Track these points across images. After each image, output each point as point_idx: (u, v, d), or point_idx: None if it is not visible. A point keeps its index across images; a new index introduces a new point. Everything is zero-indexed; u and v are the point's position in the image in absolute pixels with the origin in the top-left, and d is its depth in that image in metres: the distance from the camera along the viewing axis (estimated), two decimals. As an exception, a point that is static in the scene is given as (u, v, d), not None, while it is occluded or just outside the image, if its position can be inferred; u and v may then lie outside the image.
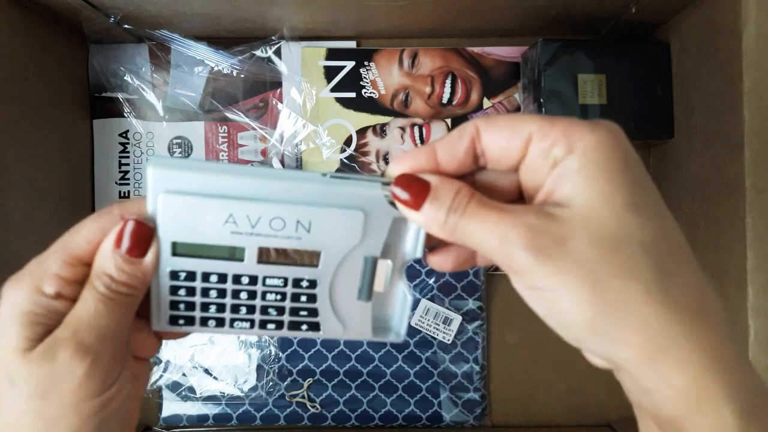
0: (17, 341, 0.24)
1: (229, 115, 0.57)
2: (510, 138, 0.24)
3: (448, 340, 0.56)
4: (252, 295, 0.27)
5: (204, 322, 0.28)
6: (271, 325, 0.28)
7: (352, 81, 0.57)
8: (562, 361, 0.58)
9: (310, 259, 0.26)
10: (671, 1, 0.49)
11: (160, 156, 0.26)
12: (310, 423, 0.56)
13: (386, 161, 0.57)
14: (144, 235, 0.25)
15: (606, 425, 0.57)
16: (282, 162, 0.57)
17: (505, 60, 0.57)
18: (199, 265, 0.26)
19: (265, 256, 0.26)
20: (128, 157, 0.58)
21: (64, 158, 0.54)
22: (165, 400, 0.56)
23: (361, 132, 0.57)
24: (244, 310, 0.28)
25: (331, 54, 0.57)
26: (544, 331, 0.61)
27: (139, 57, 0.57)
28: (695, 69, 0.49)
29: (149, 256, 0.25)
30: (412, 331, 0.56)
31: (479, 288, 0.56)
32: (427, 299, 0.56)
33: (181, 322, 0.28)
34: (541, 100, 0.51)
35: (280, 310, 0.28)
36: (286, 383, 0.56)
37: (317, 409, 0.56)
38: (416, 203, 0.24)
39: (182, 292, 0.27)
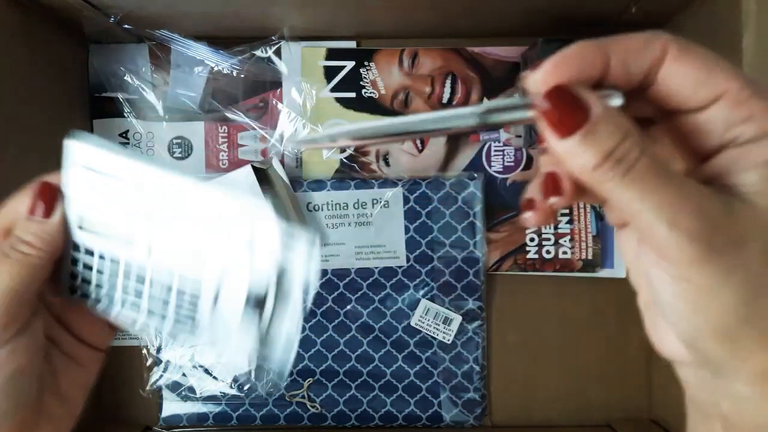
0: None
1: (229, 115, 0.57)
2: (702, 81, 0.20)
3: (448, 340, 0.56)
4: (140, 280, 0.27)
5: (97, 298, 0.28)
6: (155, 317, 0.28)
7: (352, 81, 0.57)
8: (562, 361, 0.58)
9: (197, 262, 0.26)
10: (671, 1, 0.49)
11: (83, 132, 0.26)
12: (310, 423, 0.56)
13: (386, 161, 0.57)
14: (49, 193, 0.26)
15: (606, 425, 0.57)
16: (282, 162, 0.57)
17: (505, 60, 0.57)
18: (98, 244, 0.27)
19: (157, 247, 0.26)
20: (128, 157, 0.58)
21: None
22: (165, 400, 0.56)
23: (361, 132, 0.57)
24: (132, 294, 0.28)
25: (331, 54, 0.57)
26: (544, 331, 0.61)
27: (139, 57, 0.57)
28: (695, 69, 0.49)
29: (55, 217, 0.26)
30: (412, 331, 0.56)
31: (479, 288, 0.56)
32: (427, 299, 0.56)
33: (78, 294, 0.28)
34: (541, 100, 0.51)
35: (164, 303, 0.28)
36: (285, 383, 0.56)
37: (317, 409, 0.56)
38: (563, 128, 0.19)
39: (80, 265, 0.28)
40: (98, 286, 0.28)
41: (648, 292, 0.23)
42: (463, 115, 0.21)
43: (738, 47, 0.40)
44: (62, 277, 0.28)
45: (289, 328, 0.26)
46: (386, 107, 0.57)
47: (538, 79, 0.20)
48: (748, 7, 0.39)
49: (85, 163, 0.26)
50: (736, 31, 0.40)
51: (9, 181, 0.46)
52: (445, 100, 0.57)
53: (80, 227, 0.27)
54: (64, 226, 0.27)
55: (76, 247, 0.27)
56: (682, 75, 0.20)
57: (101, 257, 0.27)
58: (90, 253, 0.27)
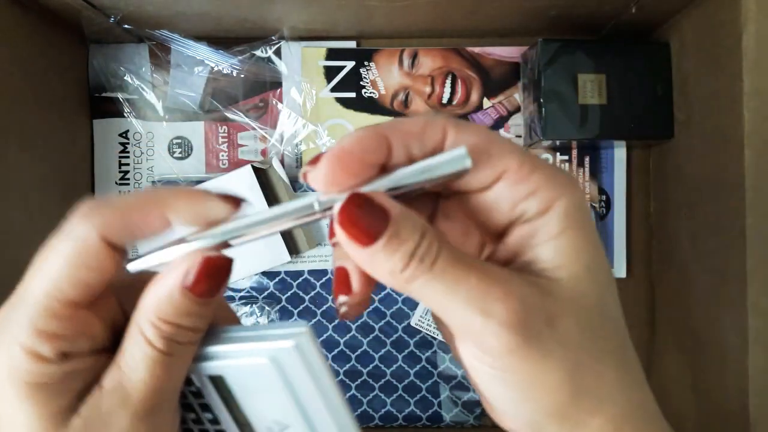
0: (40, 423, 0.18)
1: (229, 115, 0.57)
2: (482, 162, 0.19)
3: (448, 340, 0.56)
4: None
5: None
6: None
7: (352, 81, 0.57)
8: (562, 361, 0.58)
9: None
10: (671, 1, 0.49)
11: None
12: (310, 423, 0.56)
13: (386, 161, 0.57)
14: (223, 267, 0.20)
15: (606, 425, 0.57)
16: (282, 162, 0.57)
17: (505, 60, 0.57)
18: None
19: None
20: (128, 157, 0.58)
21: (64, 158, 0.54)
22: (165, 400, 0.56)
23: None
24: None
25: (331, 54, 0.57)
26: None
27: (139, 57, 0.57)
28: (695, 69, 0.49)
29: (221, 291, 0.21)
30: (412, 331, 0.56)
31: (479, 288, 0.56)
32: (427, 299, 0.56)
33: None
34: (541, 100, 0.51)
35: None
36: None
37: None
38: (365, 237, 0.18)
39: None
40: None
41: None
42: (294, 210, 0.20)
43: (738, 47, 0.40)
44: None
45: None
46: (386, 107, 0.57)
47: (320, 179, 0.19)
48: (748, 7, 0.39)
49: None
50: (736, 31, 0.40)
51: (9, 181, 0.46)
52: (445, 100, 0.57)
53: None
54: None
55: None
56: None
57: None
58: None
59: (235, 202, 0.20)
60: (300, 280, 0.57)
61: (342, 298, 0.21)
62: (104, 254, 0.19)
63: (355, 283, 0.20)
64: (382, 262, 0.18)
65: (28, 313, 0.19)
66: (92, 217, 0.19)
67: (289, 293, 0.57)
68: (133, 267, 0.20)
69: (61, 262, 0.19)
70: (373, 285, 0.21)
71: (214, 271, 0.20)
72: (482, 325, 0.18)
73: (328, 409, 0.21)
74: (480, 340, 0.19)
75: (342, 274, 0.21)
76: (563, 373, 0.19)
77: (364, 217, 0.18)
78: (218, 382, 0.22)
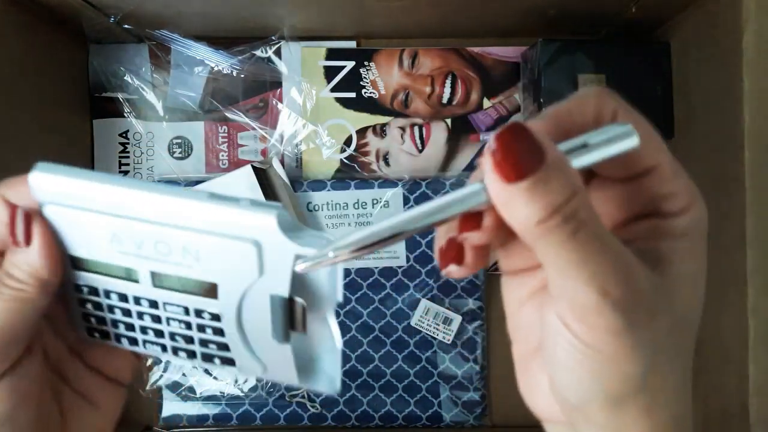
0: None
1: (229, 115, 0.57)
2: (643, 153, 0.20)
3: (448, 340, 0.56)
4: (156, 319, 0.25)
5: (117, 338, 0.26)
6: (182, 353, 0.26)
7: (352, 81, 0.57)
8: (562, 361, 0.58)
9: (206, 290, 0.23)
10: (671, 1, 0.49)
11: (46, 164, 0.24)
12: (310, 423, 0.56)
13: (386, 161, 0.57)
14: (24, 220, 0.23)
15: (606, 425, 0.57)
16: (282, 162, 0.57)
17: (505, 60, 0.57)
18: (99, 282, 0.24)
19: (158, 280, 0.23)
20: (128, 157, 0.58)
21: (64, 158, 0.53)
22: (165, 400, 0.56)
23: (361, 132, 0.57)
24: (151, 333, 0.25)
25: (331, 54, 0.57)
26: (544, 331, 0.59)
27: (139, 57, 0.57)
28: (695, 69, 0.49)
29: (34, 245, 0.23)
30: (412, 331, 0.56)
31: (479, 288, 0.56)
32: (427, 299, 0.56)
33: (97, 335, 0.26)
34: (541, 100, 0.51)
35: (189, 339, 0.25)
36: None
37: (317, 409, 0.56)
38: (513, 172, 0.17)
39: (89, 306, 0.25)
40: (114, 325, 0.25)
41: (525, 346, 0.23)
42: (470, 194, 0.19)
43: (738, 47, 0.40)
44: (76, 321, 0.26)
45: (328, 331, 0.23)
46: (386, 107, 0.57)
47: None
48: (748, 7, 0.39)
49: (54, 198, 0.23)
50: (736, 31, 0.40)
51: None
52: (445, 101, 0.57)
53: (74, 267, 0.24)
54: (57, 260, 0.23)
55: (78, 289, 0.25)
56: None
57: (107, 295, 0.25)
58: (94, 292, 0.25)
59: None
60: (300, 280, 0.57)
61: (452, 268, 0.20)
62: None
63: (469, 257, 0.20)
64: (521, 206, 0.17)
65: None
66: None
67: (289, 293, 0.57)
68: (301, 269, 0.22)
69: None
70: (486, 260, 0.20)
71: (15, 219, 0.23)
72: (597, 303, 0.18)
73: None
74: (583, 313, 0.18)
75: (455, 246, 0.20)
76: (641, 366, 0.19)
77: (518, 150, 0.17)
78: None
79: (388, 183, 0.56)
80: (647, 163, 0.20)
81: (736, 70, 0.40)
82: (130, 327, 0.25)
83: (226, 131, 0.58)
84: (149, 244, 0.22)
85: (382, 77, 0.57)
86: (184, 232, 0.22)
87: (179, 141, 0.58)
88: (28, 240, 0.23)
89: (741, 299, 0.40)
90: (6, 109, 0.45)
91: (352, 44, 0.58)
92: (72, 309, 0.26)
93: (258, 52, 0.57)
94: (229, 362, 0.25)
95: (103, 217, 0.22)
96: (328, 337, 0.23)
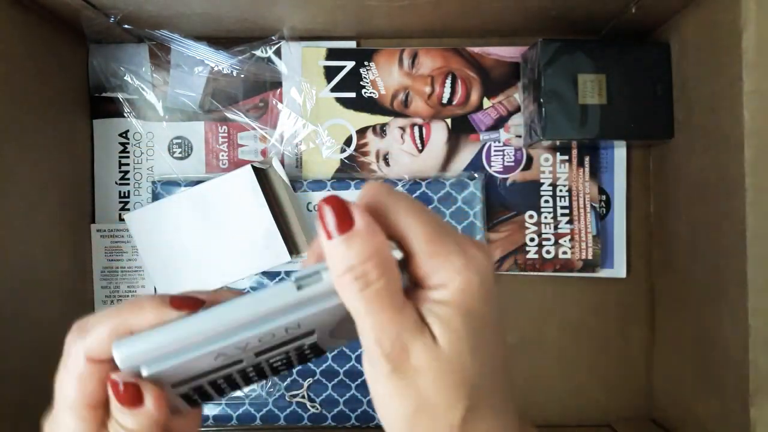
0: None
1: (229, 115, 0.57)
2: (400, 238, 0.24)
3: (448, 340, 0.56)
4: (260, 372, 0.27)
5: (221, 395, 0.28)
6: (283, 371, 0.28)
7: (352, 81, 0.57)
8: (561, 361, 0.58)
9: (306, 336, 0.25)
10: (671, 1, 0.49)
11: (123, 339, 0.24)
12: (310, 423, 0.56)
13: (386, 161, 0.57)
14: (133, 393, 0.24)
15: (606, 425, 0.57)
16: (282, 162, 0.57)
17: (505, 60, 0.57)
18: (203, 381, 0.26)
19: (262, 354, 0.25)
20: (128, 157, 0.58)
21: (64, 158, 0.53)
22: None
23: (361, 132, 0.57)
24: (255, 379, 0.28)
25: (331, 54, 0.57)
26: (544, 331, 0.61)
27: (139, 57, 0.57)
28: (695, 69, 0.49)
29: (147, 402, 0.24)
30: (412, 331, 0.56)
31: (479, 288, 0.56)
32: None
33: (198, 400, 0.28)
34: (541, 100, 0.51)
35: (288, 364, 0.27)
36: (286, 383, 0.56)
37: (317, 409, 0.56)
38: (327, 232, 0.23)
39: (195, 395, 0.27)
40: (218, 392, 0.27)
41: None
42: (278, 293, 0.23)
43: (738, 47, 0.40)
44: (174, 407, 0.27)
45: None
46: (386, 107, 0.57)
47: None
48: (748, 7, 0.39)
49: (150, 360, 0.24)
50: (736, 31, 0.40)
51: (9, 181, 0.46)
52: (445, 100, 0.57)
53: (175, 386, 0.25)
54: (167, 406, 0.25)
55: (182, 393, 0.26)
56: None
57: (212, 384, 0.26)
58: (199, 390, 0.26)
59: (190, 304, 0.25)
60: (300, 280, 0.57)
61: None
62: (93, 370, 0.25)
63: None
64: (330, 260, 0.23)
65: (66, 425, 0.26)
66: (77, 343, 0.25)
67: (289, 293, 0.57)
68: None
69: (69, 388, 0.25)
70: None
71: (124, 395, 0.24)
72: (372, 350, 0.23)
73: None
74: (367, 357, 0.24)
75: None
76: (407, 409, 0.24)
77: (334, 217, 0.23)
78: None
79: (388, 183, 0.56)
80: (411, 248, 0.24)
81: (736, 70, 0.40)
82: (235, 385, 0.27)
83: (226, 131, 0.58)
84: (253, 342, 0.24)
85: (382, 77, 0.57)
86: (285, 319, 0.24)
87: (179, 141, 0.58)
88: (139, 404, 0.24)
89: (741, 299, 0.40)
90: (6, 108, 0.45)
91: (352, 44, 0.58)
92: (172, 402, 0.26)
93: (258, 52, 0.57)
94: (320, 354, 0.28)
95: (201, 352, 0.24)
96: None
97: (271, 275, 0.56)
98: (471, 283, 0.23)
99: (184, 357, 0.24)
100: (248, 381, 0.27)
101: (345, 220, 0.23)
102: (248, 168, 0.54)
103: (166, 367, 0.24)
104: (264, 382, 0.27)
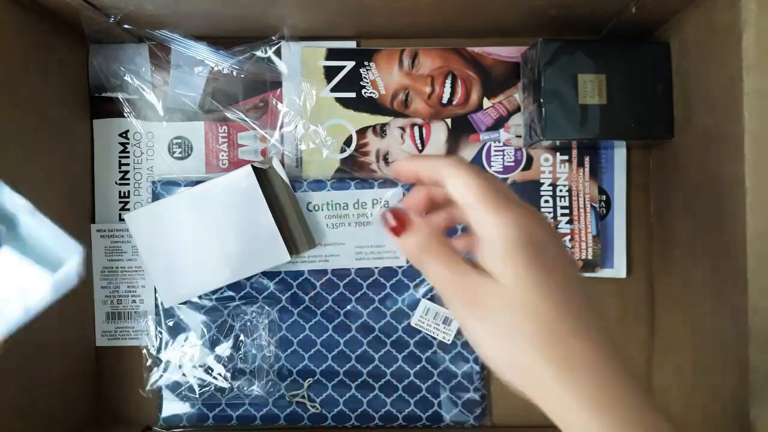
0: None
1: (229, 115, 0.57)
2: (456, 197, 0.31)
3: (448, 340, 0.56)
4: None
5: None
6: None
7: (352, 81, 0.57)
8: (562, 361, 0.58)
9: None
10: (671, 1, 0.49)
11: None
12: (310, 423, 0.56)
13: (386, 161, 0.57)
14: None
15: (606, 425, 0.57)
16: (282, 162, 0.57)
17: (505, 60, 0.57)
18: None
19: None
20: (128, 157, 0.58)
21: (64, 158, 0.54)
22: (165, 400, 0.56)
23: (361, 132, 0.57)
24: None
25: (331, 54, 0.57)
26: (544, 331, 0.58)
27: (139, 57, 0.57)
28: (695, 69, 0.49)
29: None
30: (412, 331, 0.56)
31: (479, 288, 0.56)
32: (427, 299, 0.56)
33: None
34: (541, 100, 0.51)
35: None
36: (286, 383, 0.56)
37: (317, 409, 0.56)
38: (395, 233, 0.32)
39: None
40: None
41: None
42: None
43: (738, 47, 0.40)
44: None
45: None
46: (386, 107, 0.57)
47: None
48: (748, 7, 0.39)
49: None
50: (736, 31, 0.40)
51: (9, 181, 0.46)
52: (445, 101, 0.57)
53: None
54: None
55: None
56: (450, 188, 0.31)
57: None
58: None
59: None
60: (300, 280, 0.57)
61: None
62: None
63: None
64: (405, 247, 0.31)
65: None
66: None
67: (289, 293, 0.57)
68: None
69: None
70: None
71: None
72: (452, 304, 0.31)
73: None
74: (456, 314, 0.31)
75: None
76: (494, 339, 0.29)
77: (398, 224, 0.32)
78: None
79: (388, 183, 0.56)
80: (461, 203, 0.30)
81: (736, 70, 0.40)
82: None
83: (226, 131, 0.58)
84: None
85: (382, 77, 0.57)
86: None
87: (179, 141, 0.58)
88: None
89: (741, 299, 0.40)
90: (6, 108, 0.45)
91: (352, 44, 0.58)
92: None
93: (258, 52, 0.57)
94: None
95: None
96: None
97: (270, 275, 0.56)
98: (509, 231, 0.29)
99: None
100: None
101: (402, 224, 0.32)
102: (248, 168, 0.54)
103: None
104: None
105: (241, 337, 0.56)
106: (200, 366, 0.56)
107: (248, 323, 0.56)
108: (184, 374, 0.56)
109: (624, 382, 0.28)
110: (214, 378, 0.56)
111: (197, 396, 0.56)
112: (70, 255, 0.26)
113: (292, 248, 0.56)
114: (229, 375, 0.56)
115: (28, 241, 0.27)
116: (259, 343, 0.56)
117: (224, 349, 0.56)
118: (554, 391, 0.28)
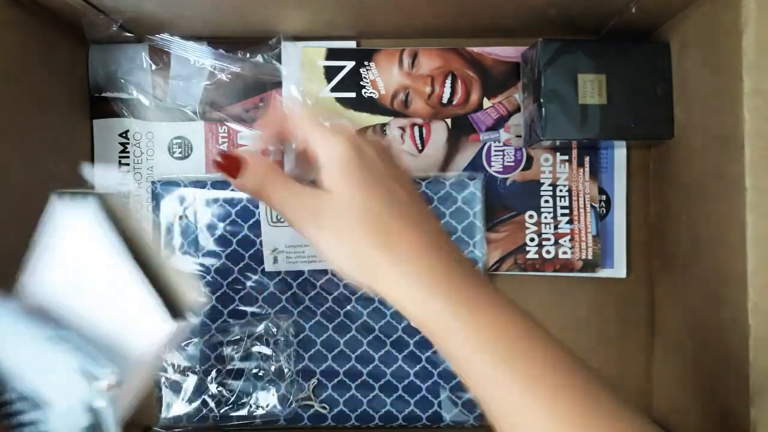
0: None
1: (229, 115, 0.57)
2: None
3: (448, 340, 0.56)
4: None
5: None
6: None
7: (352, 81, 0.57)
8: (562, 361, 0.58)
9: None
10: (671, 1, 0.49)
11: None
12: (310, 423, 0.56)
13: (386, 161, 0.57)
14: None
15: (606, 425, 0.57)
16: (282, 161, 0.57)
17: (505, 60, 0.57)
18: None
19: None
20: (128, 157, 0.58)
21: (64, 158, 0.53)
22: (165, 400, 0.56)
23: (361, 132, 0.57)
24: None
25: (331, 54, 0.57)
26: (544, 331, 0.58)
27: (140, 57, 0.57)
28: (695, 69, 0.49)
29: None
30: (412, 330, 0.56)
31: (479, 288, 0.56)
32: (427, 299, 0.56)
33: None
34: (541, 100, 0.51)
35: None
36: (285, 384, 0.56)
37: (325, 408, 0.56)
38: (229, 174, 0.35)
39: None
40: None
41: None
42: None
43: (738, 47, 0.40)
44: None
45: None
46: (386, 107, 0.57)
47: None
48: (748, 7, 0.39)
49: None
50: (736, 31, 0.40)
51: (9, 181, 0.46)
52: (445, 101, 0.57)
53: None
54: None
55: None
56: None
57: None
58: None
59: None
60: (300, 280, 0.57)
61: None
62: None
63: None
64: (239, 186, 0.36)
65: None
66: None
67: (289, 293, 0.57)
68: None
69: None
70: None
71: None
72: (300, 225, 0.35)
73: None
74: (306, 233, 0.35)
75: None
76: (336, 241, 0.34)
77: (229, 164, 0.36)
78: None
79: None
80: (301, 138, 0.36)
81: (736, 70, 0.40)
82: None
83: (226, 131, 0.58)
84: None
85: (382, 77, 0.57)
86: None
87: (179, 141, 0.58)
88: None
89: (741, 299, 0.40)
90: (6, 108, 0.45)
91: (352, 44, 0.58)
92: None
93: (258, 53, 0.57)
94: None
95: None
96: None
97: (271, 275, 0.56)
98: (336, 150, 0.34)
99: None
100: None
101: (234, 163, 0.36)
102: (87, 200, 0.32)
103: None
104: None
105: (256, 348, 0.56)
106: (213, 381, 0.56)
107: (265, 334, 0.56)
108: (184, 374, 0.56)
109: (456, 265, 0.32)
110: (219, 390, 0.56)
111: (197, 396, 0.56)
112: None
113: (178, 309, 0.32)
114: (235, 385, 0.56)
115: None
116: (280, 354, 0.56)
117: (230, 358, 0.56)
118: (390, 275, 0.32)
